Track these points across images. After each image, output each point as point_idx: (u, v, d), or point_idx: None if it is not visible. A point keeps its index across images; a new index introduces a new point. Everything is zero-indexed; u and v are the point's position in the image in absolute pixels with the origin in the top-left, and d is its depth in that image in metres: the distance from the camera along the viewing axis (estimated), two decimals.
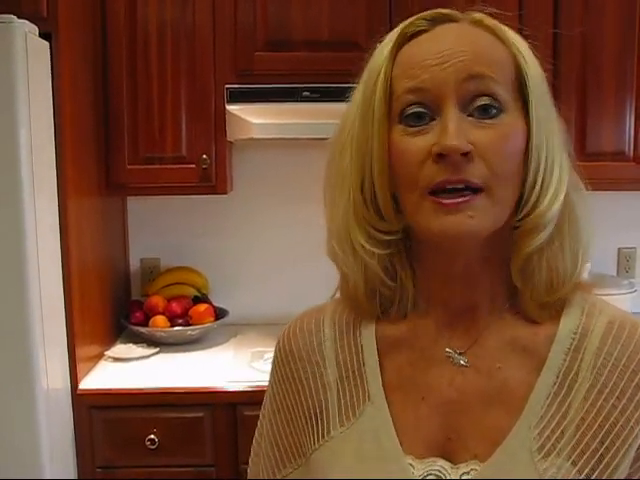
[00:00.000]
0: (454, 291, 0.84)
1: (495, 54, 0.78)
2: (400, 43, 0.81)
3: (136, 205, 2.68)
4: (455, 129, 0.74)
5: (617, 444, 0.76)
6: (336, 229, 0.85)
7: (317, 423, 0.87)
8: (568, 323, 0.82)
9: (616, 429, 0.77)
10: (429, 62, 0.76)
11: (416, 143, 0.77)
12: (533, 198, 0.78)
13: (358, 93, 0.83)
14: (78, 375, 2.07)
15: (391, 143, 0.79)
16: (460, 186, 0.75)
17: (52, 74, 1.93)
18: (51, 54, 1.92)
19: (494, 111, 0.76)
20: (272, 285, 2.69)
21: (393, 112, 0.79)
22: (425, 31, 0.81)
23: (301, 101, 2.26)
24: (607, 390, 0.78)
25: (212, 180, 2.33)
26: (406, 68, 0.78)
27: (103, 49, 2.27)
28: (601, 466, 0.76)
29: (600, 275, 2.60)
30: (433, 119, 0.77)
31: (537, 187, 0.78)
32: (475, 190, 0.75)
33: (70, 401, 2.05)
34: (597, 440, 0.77)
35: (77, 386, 2.06)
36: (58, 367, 1.99)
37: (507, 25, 0.83)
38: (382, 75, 0.79)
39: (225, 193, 2.38)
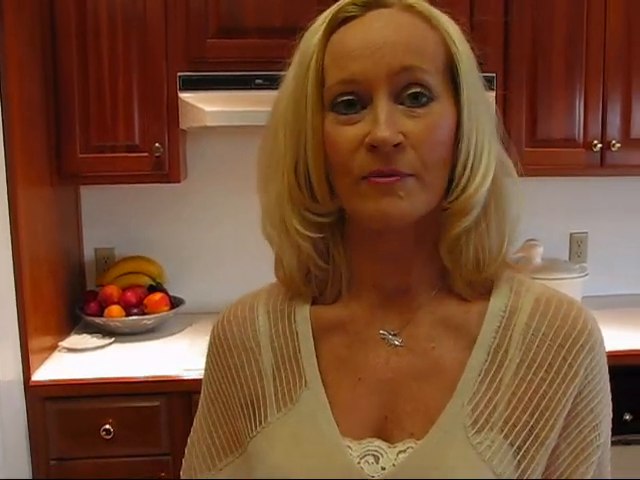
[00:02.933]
0: (387, 273, 0.85)
1: (426, 42, 0.78)
2: (331, 29, 0.80)
3: (89, 194, 2.65)
4: (386, 120, 0.75)
5: (546, 415, 0.79)
6: (270, 212, 0.86)
7: (254, 411, 0.87)
8: (497, 302, 0.84)
9: (545, 401, 0.79)
10: (359, 53, 0.76)
11: (348, 132, 0.77)
12: (462, 182, 0.80)
13: (290, 77, 0.82)
14: (31, 367, 2.05)
15: (324, 131, 0.79)
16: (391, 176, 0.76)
17: None
18: None
19: (424, 99, 0.77)
20: (227, 273, 2.68)
21: (325, 100, 0.79)
22: (356, 17, 0.79)
23: (254, 88, 2.25)
24: (536, 365, 0.80)
25: (165, 168, 2.31)
26: (336, 58, 0.78)
27: (52, 36, 2.23)
28: (532, 437, 0.79)
29: (552, 260, 2.65)
30: (364, 107, 0.77)
31: (466, 171, 0.79)
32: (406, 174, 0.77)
33: (23, 393, 2.03)
34: (527, 413, 0.79)
35: (30, 378, 2.04)
36: (10, 359, 1.96)
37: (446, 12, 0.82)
38: (313, 63, 0.79)
39: (178, 181, 2.37)
